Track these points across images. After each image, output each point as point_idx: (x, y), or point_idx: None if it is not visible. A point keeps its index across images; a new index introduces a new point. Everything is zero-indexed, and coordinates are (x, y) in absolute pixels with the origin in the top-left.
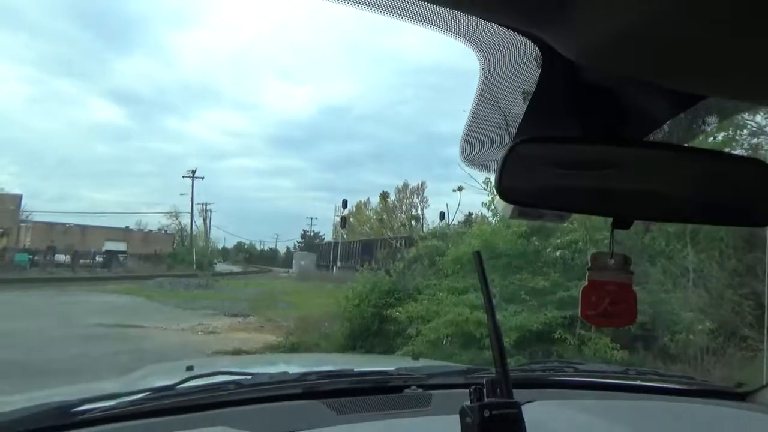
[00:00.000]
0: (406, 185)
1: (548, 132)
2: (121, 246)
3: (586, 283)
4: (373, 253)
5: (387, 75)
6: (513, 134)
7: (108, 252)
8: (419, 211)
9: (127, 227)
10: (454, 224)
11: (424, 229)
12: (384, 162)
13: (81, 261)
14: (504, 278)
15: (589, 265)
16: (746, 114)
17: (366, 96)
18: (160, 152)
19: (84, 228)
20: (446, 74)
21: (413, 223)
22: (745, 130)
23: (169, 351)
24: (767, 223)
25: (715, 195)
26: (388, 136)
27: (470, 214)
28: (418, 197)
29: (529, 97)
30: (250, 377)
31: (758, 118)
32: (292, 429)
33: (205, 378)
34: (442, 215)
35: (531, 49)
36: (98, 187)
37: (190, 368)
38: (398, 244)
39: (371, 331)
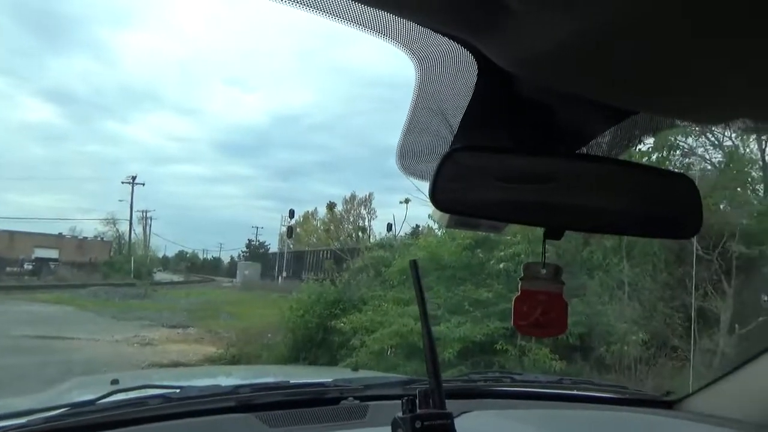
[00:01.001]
0: (354, 196)
1: (484, 142)
2: (52, 253)
3: (519, 292)
4: (320, 263)
5: (340, 86)
6: (449, 143)
7: (38, 259)
8: (366, 222)
9: (60, 234)
10: (401, 236)
11: (372, 240)
12: (333, 172)
13: (8, 269)
14: (448, 290)
15: (522, 275)
16: (679, 135)
17: (318, 106)
18: (98, 156)
19: (12, 234)
20: (399, 88)
21: (360, 234)
22: (678, 151)
23: (101, 364)
24: (692, 236)
25: (644, 208)
26: (339, 146)
27: (417, 226)
28: (365, 208)
29: (465, 107)
30: (178, 390)
31: (690, 140)
32: None
33: (129, 392)
34: (389, 227)
35: (467, 57)
36: (29, 191)
37: (115, 381)
38: (345, 255)
39: (315, 342)
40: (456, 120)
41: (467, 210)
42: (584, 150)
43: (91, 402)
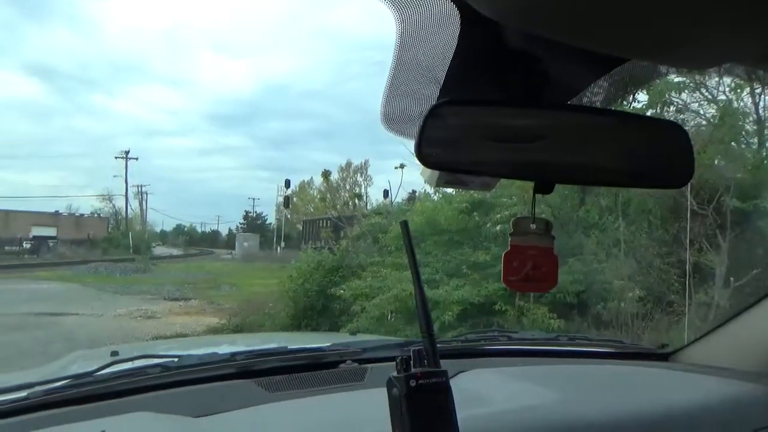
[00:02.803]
0: (349, 163)
1: (470, 96)
2: (50, 231)
3: (509, 248)
4: (319, 232)
5: (330, 51)
6: (435, 99)
7: (36, 238)
8: (363, 190)
9: (56, 211)
10: (397, 202)
11: (369, 207)
12: (328, 140)
13: (6, 248)
14: (446, 253)
15: (512, 230)
16: (673, 92)
17: (309, 72)
18: (88, 131)
19: (7, 213)
20: (392, 49)
21: (357, 201)
22: (672, 107)
23: (106, 338)
24: (684, 184)
25: (635, 158)
26: (332, 113)
27: (414, 191)
28: (361, 176)
29: (450, 60)
30: (176, 360)
31: (684, 95)
32: (221, 410)
33: (128, 362)
34: (385, 193)
35: (449, 7)
36: (20, 170)
37: (114, 353)
38: (342, 223)
39: (316, 310)
40: (441, 75)
41: (454, 165)
42: (574, 101)
43: (90, 373)
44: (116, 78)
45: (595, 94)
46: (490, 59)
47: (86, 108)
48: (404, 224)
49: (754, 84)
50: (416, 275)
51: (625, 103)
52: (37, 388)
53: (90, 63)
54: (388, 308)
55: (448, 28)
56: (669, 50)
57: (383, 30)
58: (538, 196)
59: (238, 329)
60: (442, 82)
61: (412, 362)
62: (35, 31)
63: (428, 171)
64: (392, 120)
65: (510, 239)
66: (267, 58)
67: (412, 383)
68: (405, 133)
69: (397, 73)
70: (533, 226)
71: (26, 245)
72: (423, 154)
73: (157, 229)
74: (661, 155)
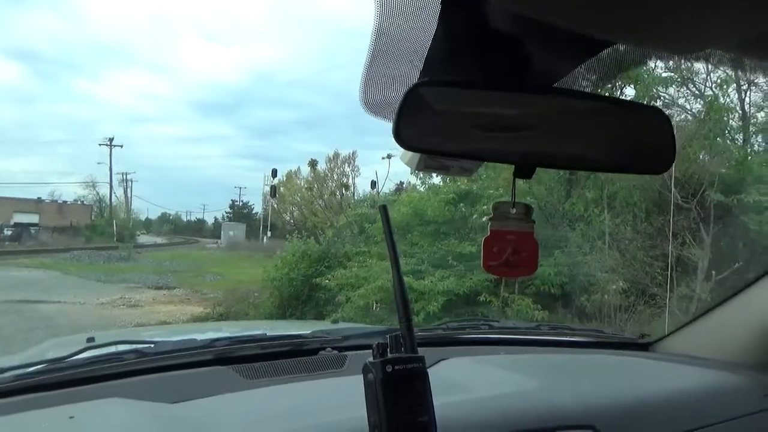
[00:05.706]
0: (337, 154)
1: (451, 77)
2: (32, 218)
3: (488, 233)
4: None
5: (318, 39)
6: (414, 80)
7: (18, 225)
8: (350, 180)
9: (39, 198)
10: (385, 192)
11: (356, 197)
12: (314, 130)
13: None
14: (432, 244)
15: (491, 215)
16: (660, 86)
17: (296, 60)
18: (71, 117)
19: None
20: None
21: (344, 191)
22: (658, 101)
23: (88, 326)
24: (665, 170)
25: (618, 142)
26: (319, 103)
27: (401, 182)
28: (349, 166)
29: (430, 42)
30: (152, 345)
31: (671, 90)
32: (197, 396)
33: (103, 348)
34: (373, 184)
35: None
36: (3, 156)
37: (90, 339)
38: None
39: (301, 300)
40: (421, 57)
41: (433, 147)
42: (557, 85)
43: (63, 359)
44: (100, 63)
45: (579, 79)
46: (473, 40)
47: (69, 93)
48: (383, 208)
49: (740, 79)
50: (395, 260)
51: (615, 94)
52: (8, 374)
53: (73, 47)
54: (373, 298)
55: (429, 9)
56: (654, 32)
57: (371, 17)
58: (525, 188)
59: (222, 318)
60: (422, 64)
61: (389, 348)
62: (16, 13)
63: (408, 154)
64: (372, 103)
65: (490, 224)
66: (253, 45)
67: (388, 368)
68: (385, 116)
69: (376, 55)
70: (513, 211)
71: (8, 232)
72: (401, 135)
73: (142, 217)
74: (643, 140)
